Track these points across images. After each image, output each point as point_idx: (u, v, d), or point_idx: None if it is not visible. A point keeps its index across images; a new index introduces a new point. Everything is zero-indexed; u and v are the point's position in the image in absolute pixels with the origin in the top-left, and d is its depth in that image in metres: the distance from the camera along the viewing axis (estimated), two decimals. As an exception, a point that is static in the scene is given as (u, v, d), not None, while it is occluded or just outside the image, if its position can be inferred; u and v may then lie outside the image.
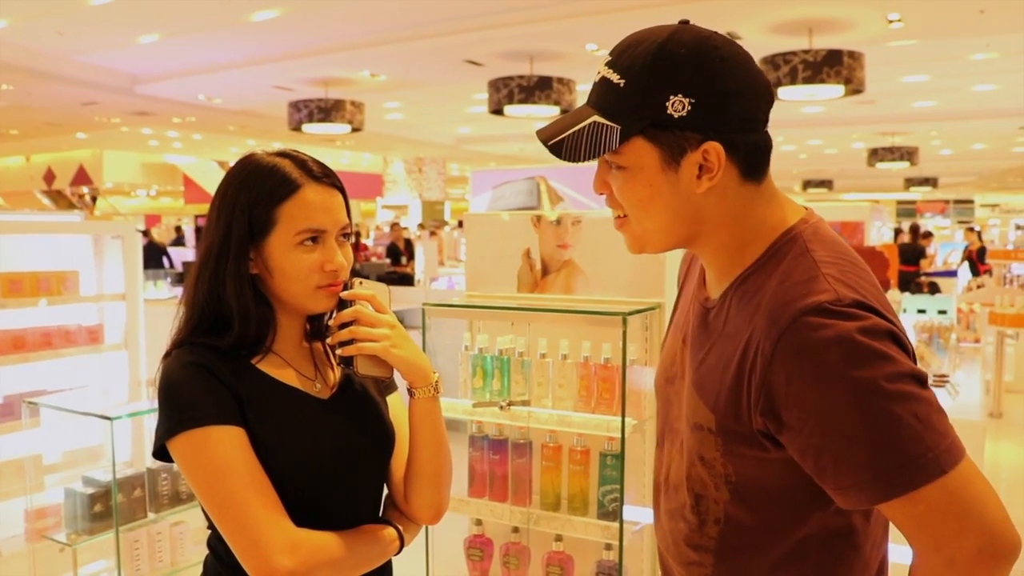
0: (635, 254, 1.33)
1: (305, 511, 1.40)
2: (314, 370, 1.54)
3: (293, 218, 1.42)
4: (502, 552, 2.86)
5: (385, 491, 1.61)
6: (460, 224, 15.38)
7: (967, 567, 1.08)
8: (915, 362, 1.15)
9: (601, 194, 1.32)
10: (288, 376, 1.49)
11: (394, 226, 15.50)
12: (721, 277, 1.31)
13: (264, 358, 1.48)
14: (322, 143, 18.13)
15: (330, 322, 1.50)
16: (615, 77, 1.22)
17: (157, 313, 5.63)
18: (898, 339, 1.13)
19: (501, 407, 2.78)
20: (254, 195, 1.43)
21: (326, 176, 1.48)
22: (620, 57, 1.22)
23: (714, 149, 1.20)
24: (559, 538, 2.76)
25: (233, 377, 1.41)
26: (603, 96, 1.23)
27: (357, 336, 1.45)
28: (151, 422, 3.43)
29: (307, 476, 1.44)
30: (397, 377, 1.57)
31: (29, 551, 3.11)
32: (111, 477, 2.79)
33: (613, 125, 1.21)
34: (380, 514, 1.58)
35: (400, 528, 1.54)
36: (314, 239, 1.44)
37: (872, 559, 1.27)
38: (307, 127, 12.32)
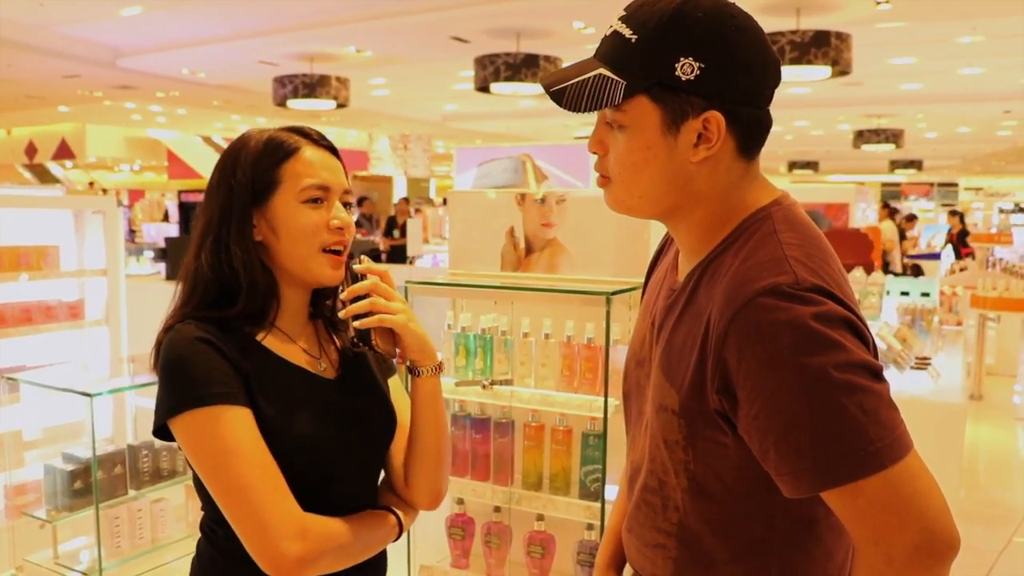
0: (615, 212, 1.32)
1: (309, 494, 1.38)
2: (319, 349, 1.52)
3: (296, 175, 1.42)
4: (484, 531, 2.86)
5: (381, 477, 1.59)
6: (444, 202, 15.33)
7: (904, 563, 1.08)
8: (874, 353, 1.15)
9: (594, 153, 1.30)
10: (294, 354, 1.47)
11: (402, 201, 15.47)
12: (691, 256, 1.30)
13: (268, 334, 1.45)
14: (307, 119, 17.94)
15: (342, 295, 1.46)
16: (627, 32, 1.20)
17: (138, 289, 5.61)
18: (855, 328, 1.12)
19: (484, 386, 2.77)
20: (253, 159, 1.42)
21: (323, 140, 1.48)
22: (636, 12, 1.21)
23: (715, 119, 1.19)
24: (541, 517, 2.77)
25: (239, 355, 1.38)
26: (612, 50, 1.22)
27: (376, 308, 1.43)
28: (132, 399, 3.44)
29: (313, 458, 1.41)
30: None
31: (9, 528, 3.10)
32: (91, 454, 2.77)
33: (619, 80, 1.19)
34: (377, 500, 1.56)
35: (399, 514, 1.53)
36: (318, 200, 1.42)
37: (835, 548, 1.26)
38: (292, 102, 12.23)
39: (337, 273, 1.45)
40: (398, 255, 11.83)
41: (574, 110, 1.22)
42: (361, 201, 15.22)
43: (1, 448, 3.21)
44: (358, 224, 13.60)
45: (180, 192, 11.92)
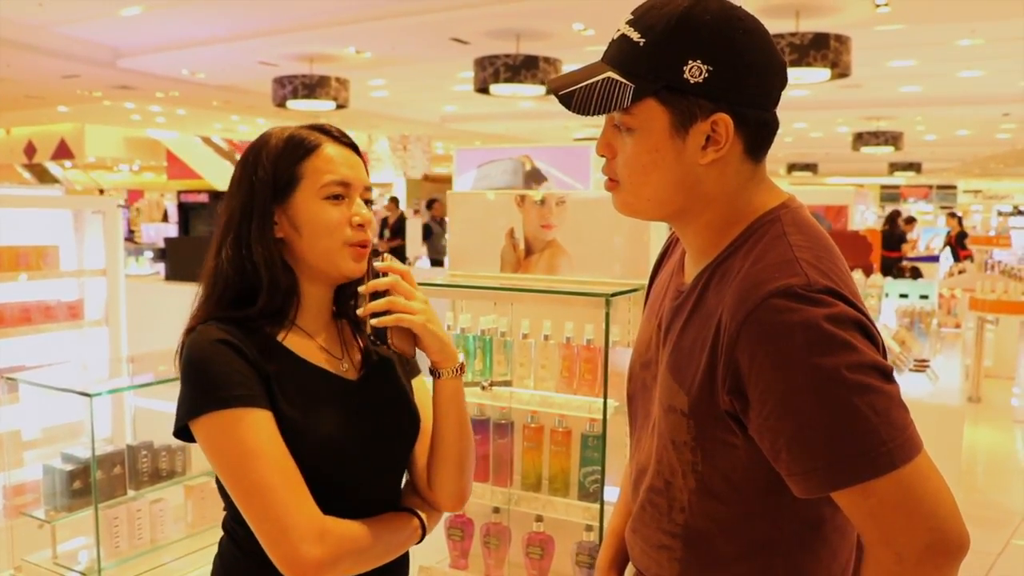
0: (623, 215, 1.32)
1: (329, 496, 1.37)
2: (341, 349, 1.51)
3: (317, 171, 1.42)
4: (483, 532, 2.86)
5: (405, 478, 1.58)
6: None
7: (914, 563, 1.08)
8: (884, 354, 1.15)
9: (603, 156, 1.30)
10: (315, 354, 1.46)
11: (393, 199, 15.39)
12: (699, 258, 1.30)
13: (289, 333, 1.44)
14: (307, 120, 17.87)
15: (361, 289, 1.44)
16: (635, 35, 1.20)
17: (138, 289, 5.61)
18: (865, 329, 1.12)
19: (483, 387, 2.78)
20: (275, 156, 1.42)
21: (344, 137, 1.48)
22: (643, 16, 1.21)
23: (723, 121, 1.19)
24: (540, 519, 2.77)
25: (260, 356, 1.38)
26: (620, 53, 1.22)
27: (395, 307, 1.41)
28: (131, 399, 3.44)
29: (334, 460, 1.40)
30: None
31: (7, 527, 3.09)
32: (90, 454, 2.77)
33: (627, 83, 1.19)
34: (400, 502, 1.55)
35: (423, 516, 1.52)
36: (338, 196, 1.43)
37: (840, 548, 1.27)
38: (291, 103, 12.22)
39: (360, 266, 1.45)
40: (396, 257, 11.82)
41: (582, 113, 1.23)
42: (431, 204, 14.89)
43: (0, 448, 3.21)
44: (427, 230, 13.50)
45: (179, 192, 11.90)
